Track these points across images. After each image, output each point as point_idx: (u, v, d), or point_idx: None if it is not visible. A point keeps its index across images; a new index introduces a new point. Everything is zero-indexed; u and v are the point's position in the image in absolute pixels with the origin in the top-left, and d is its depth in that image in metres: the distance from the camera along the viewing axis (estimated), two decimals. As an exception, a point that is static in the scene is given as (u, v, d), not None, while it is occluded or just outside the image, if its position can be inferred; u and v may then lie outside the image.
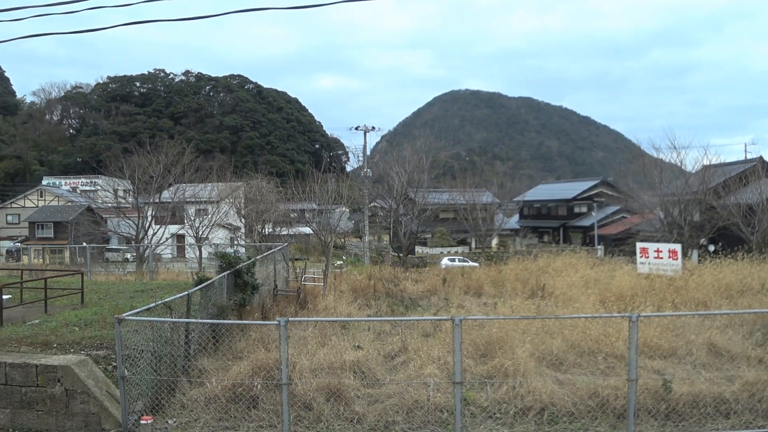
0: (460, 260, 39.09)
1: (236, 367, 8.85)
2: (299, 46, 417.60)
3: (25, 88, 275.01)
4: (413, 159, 45.55)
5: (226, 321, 11.10)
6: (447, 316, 9.78)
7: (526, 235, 63.59)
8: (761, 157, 38.60)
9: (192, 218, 34.96)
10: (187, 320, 9.38)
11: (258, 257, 15.83)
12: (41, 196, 63.38)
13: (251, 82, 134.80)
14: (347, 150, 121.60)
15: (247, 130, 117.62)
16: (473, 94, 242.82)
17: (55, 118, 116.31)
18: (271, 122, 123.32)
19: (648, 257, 21.82)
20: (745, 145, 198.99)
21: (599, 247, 50.39)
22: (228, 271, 12.67)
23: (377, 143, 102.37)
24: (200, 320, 10.05)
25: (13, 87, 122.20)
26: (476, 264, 35.26)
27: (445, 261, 39.17)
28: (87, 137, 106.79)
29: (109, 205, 47.76)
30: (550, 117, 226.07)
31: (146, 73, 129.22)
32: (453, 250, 52.31)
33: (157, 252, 31.51)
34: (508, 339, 10.39)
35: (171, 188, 35.69)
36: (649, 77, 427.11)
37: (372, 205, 48.12)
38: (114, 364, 8.48)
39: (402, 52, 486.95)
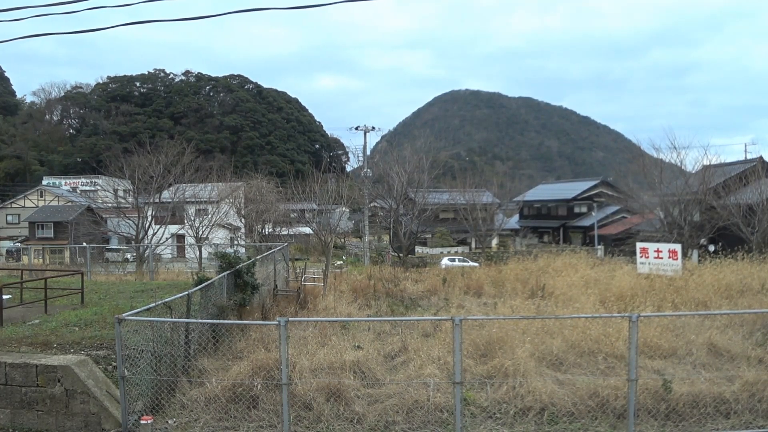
0: (460, 260, 39.09)
1: (236, 367, 8.85)
2: (299, 46, 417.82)
3: (25, 88, 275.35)
4: (413, 159, 45.55)
5: (226, 321, 11.10)
6: (447, 316, 9.78)
7: (526, 235, 63.60)
8: (761, 157, 38.61)
9: (192, 218, 34.96)
10: (187, 320, 9.38)
11: (258, 257, 15.83)
12: (41, 196, 63.39)
13: (251, 82, 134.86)
14: (347, 150, 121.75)
15: (247, 130, 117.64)
16: (473, 94, 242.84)
17: (55, 118, 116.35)
18: (271, 122, 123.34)
19: (648, 257, 21.82)
20: (745, 145, 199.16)
21: (599, 247, 50.40)
22: (228, 271, 12.67)
23: (377, 143, 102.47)
24: (200, 320, 10.05)
25: (13, 87, 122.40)
26: (476, 264, 35.26)
27: (445, 261, 39.17)
28: (87, 137, 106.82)
29: (109, 205, 47.78)
30: (550, 117, 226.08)
31: (146, 73, 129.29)
32: (453, 250, 52.31)
33: (157, 252, 31.51)
34: (508, 339, 10.39)
35: (171, 188, 35.69)
36: (649, 77, 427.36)
37: (372, 205, 48.12)
38: (114, 364, 8.48)
39: (402, 52, 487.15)
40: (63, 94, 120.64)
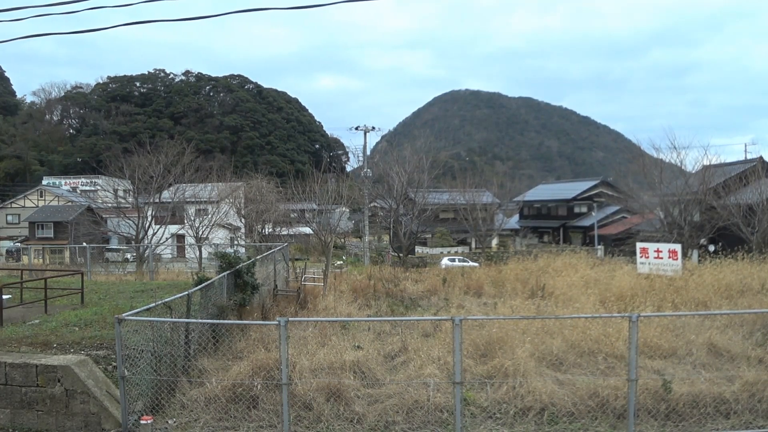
0: (460, 260, 39.09)
1: (236, 367, 8.85)
2: (300, 46, 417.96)
3: (25, 88, 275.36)
4: (413, 159, 45.54)
5: (226, 321, 11.10)
6: (447, 316, 9.77)
7: (526, 235, 63.59)
8: (761, 157, 38.61)
9: (192, 218, 34.95)
10: (187, 320, 9.38)
11: (258, 257, 15.83)
12: (41, 196, 63.38)
13: (251, 82, 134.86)
14: (347, 150, 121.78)
15: (247, 130, 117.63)
16: (473, 94, 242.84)
17: (55, 118, 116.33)
18: (271, 122, 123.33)
19: (648, 257, 21.82)
20: (745, 145, 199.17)
21: (599, 247, 50.39)
22: (228, 271, 12.67)
23: (377, 143, 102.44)
24: (200, 320, 10.05)
25: (13, 87, 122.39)
26: (476, 264, 35.26)
27: (445, 261, 39.17)
28: (87, 137, 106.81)
29: (109, 205, 47.77)
30: (550, 117, 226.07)
31: (146, 73, 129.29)
32: (453, 250, 52.30)
33: (157, 252, 31.51)
34: (508, 339, 10.39)
35: (171, 188, 35.69)
36: (649, 77, 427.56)
37: (372, 205, 48.12)
38: (114, 364, 8.48)
39: (402, 52, 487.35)
40: (63, 94, 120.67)
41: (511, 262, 27.70)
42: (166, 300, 9.20)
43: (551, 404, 7.96)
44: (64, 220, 50.68)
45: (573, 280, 19.25)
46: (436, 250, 51.14)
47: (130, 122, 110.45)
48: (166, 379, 8.34)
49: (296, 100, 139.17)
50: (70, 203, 58.79)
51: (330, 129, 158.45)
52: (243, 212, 42.66)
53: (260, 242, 31.22)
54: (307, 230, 42.07)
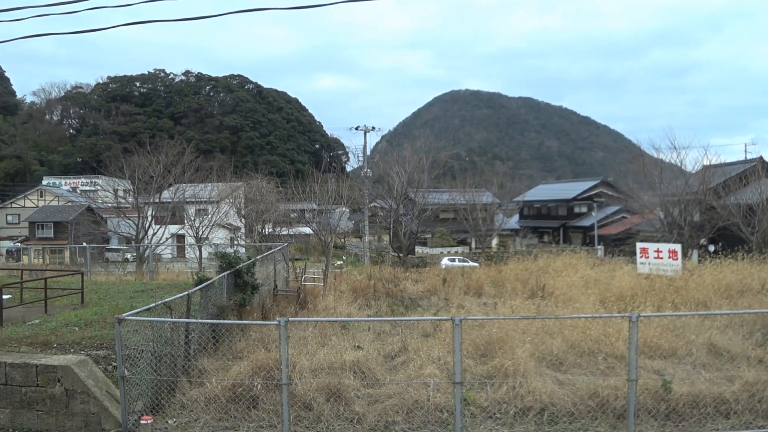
0: (460, 260, 39.09)
1: (236, 367, 8.85)
2: (300, 46, 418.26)
3: (25, 88, 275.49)
4: (413, 159, 45.52)
5: (226, 321, 11.09)
6: (447, 316, 9.77)
7: (526, 235, 63.59)
8: (761, 157, 38.61)
9: (192, 218, 34.95)
10: (187, 320, 9.38)
11: (258, 257, 15.83)
12: (41, 196, 63.38)
13: (251, 82, 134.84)
14: (347, 150, 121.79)
15: (247, 130, 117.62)
16: (473, 94, 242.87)
17: (55, 118, 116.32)
18: (271, 122, 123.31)
19: (648, 257, 21.81)
20: (745, 145, 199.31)
21: (599, 247, 50.39)
22: (228, 271, 12.66)
23: (377, 143, 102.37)
24: (200, 320, 10.05)
25: (13, 87, 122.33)
26: (476, 264, 35.26)
27: (445, 261, 39.16)
28: (87, 137, 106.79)
29: (109, 205, 47.78)
30: (550, 117, 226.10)
31: (146, 73, 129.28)
32: (453, 250, 52.30)
33: (157, 252, 31.50)
34: (508, 339, 10.39)
35: (171, 188, 35.68)
36: (649, 77, 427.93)
37: (372, 205, 48.11)
38: (114, 364, 8.48)
39: (402, 52, 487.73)
40: (63, 94, 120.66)
41: (511, 262, 27.69)
42: (166, 300, 9.20)
43: (551, 404, 7.96)
44: (64, 220, 50.67)
45: (573, 280, 19.25)
46: (436, 250, 51.13)
47: (130, 122, 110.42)
48: (166, 379, 8.34)
49: (296, 100, 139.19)
50: (70, 203, 58.78)
51: (330, 129, 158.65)
52: (243, 212, 42.66)
53: (260, 242, 31.22)
54: (307, 230, 42.08)
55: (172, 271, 26.28)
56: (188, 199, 36.71)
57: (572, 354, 10.12)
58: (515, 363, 9.05)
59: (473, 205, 45.78)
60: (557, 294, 17.12)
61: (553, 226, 66.11)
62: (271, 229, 40.02)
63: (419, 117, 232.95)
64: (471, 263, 36.26)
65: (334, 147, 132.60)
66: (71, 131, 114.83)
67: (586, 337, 10.63)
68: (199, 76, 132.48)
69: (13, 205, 63.65)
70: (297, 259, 30.79)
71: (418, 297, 20.21)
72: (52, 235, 51.28)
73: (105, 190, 53.36)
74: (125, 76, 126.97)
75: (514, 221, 70.90)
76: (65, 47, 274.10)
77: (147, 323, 8.31)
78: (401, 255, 40.74)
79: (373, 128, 46.91)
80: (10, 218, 62.10)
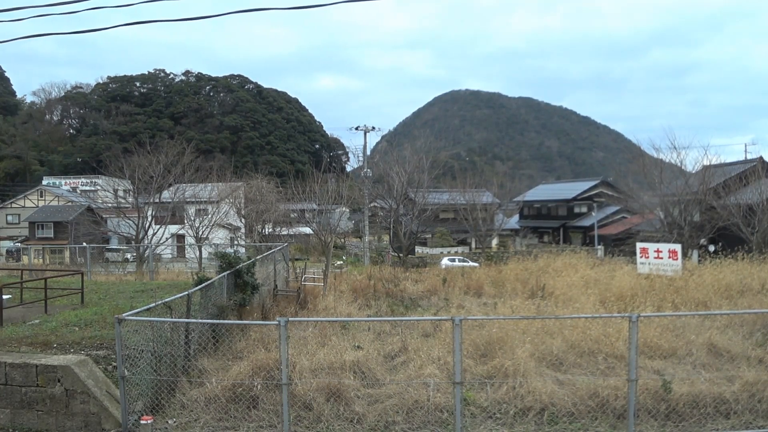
0: (460, 260, 39.09)
1: (236, 367, 8.85)
2: (300, 46, 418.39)
3: (25, 88, 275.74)
4: (413, 159, 45.53)
5: (226, 321, 11.09)
6: (447, 316, 9.77)
7: (526, 235, 63.58)
8: (761, 157, 38.61)
9: (192, 218, 34.95)
10: (187, 320, 9.38)
11: (258, 257, 15.82)
12: (41, 196, 63.38)
13: (251, 82, 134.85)
14: (347, 150, 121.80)
15: (247, 130, 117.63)
16: (473, 94, 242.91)
17: (55, 118, 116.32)
18: (271, 122, 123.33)
19: (648, 257, 21.81)
20: (745, 145, 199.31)
21: (599, 247, 50.39)
22: (228, 271, 12.66)
23: (377, 143, 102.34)
24: (200, 320, 10.05)
25: (13, 87, 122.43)
26: (476, 264, 35.25)
27: (445, 261, 39.16)
28: (87, 137, 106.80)
29: (109, 205, 47.78)
30: (550, 117, 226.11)
31: (146, 73, 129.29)
32: (453, 250, 52.30)
33: (157, 252, 31.50)
34: (508, 339, 10.39)
35: (171, 188, 35.69)
36: (649, 77, 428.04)
37: (372, 205, 48.11)
38: (114, 364, 8.48)
39: (402, 52, 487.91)
40: (63, 94, 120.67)
41: (511, 262, 27.68)
42: (166, 300, 9.20)
43: (551, 404, 7.96)
44: (64, 220, 50.67)
45: (573, 280, 19.24)
46: (436, 250, 51.13)
47: (130, 122, 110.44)
48: (166, 379, 8.34)
49: (296, 100, 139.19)
50: (70, 203, 58.78)
51: (330, 129, 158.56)
52: (243, 212, 42.66)
53: (260, 242, 31.22)
54: (307, 230, 42.08)
55: (172, 271, 26.28)
56: (188, 199, 36.71)
57: (572, 354, 10.12)
58: (515, 363, 9.05)
59: (473, 205, 45.77)
60: (557, 294, 17.12)
61: (553, 226, 66.10)
62: (271, 229, 40.02)
63: (419, 117, 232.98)
64: (471, 263, 36.25)
65: (334, 147, 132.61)
66: (71, 131, 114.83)
67: (586, 337, 10.62)
68: (199, 76, 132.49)
69: (13, 205, 63.66)
70: (297, 259, 30.79)
71: (418, 297, 20.20)
72: (52, 235, 51.29)
73: (105, 190, 53.37)
74: (125, 76, 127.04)
75: (514, 221, 70.90)
76: (65, 47, 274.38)
77: (147, 323, 8.31)
78: (401, 255, 40.74)
79: (373, 128, 46.97)
80: (10, 218, 62.11)
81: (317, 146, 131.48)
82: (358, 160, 63.67)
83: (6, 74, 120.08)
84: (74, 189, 73.39)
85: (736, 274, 17.71)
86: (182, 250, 39.48)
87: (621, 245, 42.82)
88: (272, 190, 43.20)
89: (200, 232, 33.87)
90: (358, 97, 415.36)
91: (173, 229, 37.25)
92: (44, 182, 73.02)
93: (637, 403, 7.44)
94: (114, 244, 44.29)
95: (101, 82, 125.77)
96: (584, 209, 63.34)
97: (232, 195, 41.84)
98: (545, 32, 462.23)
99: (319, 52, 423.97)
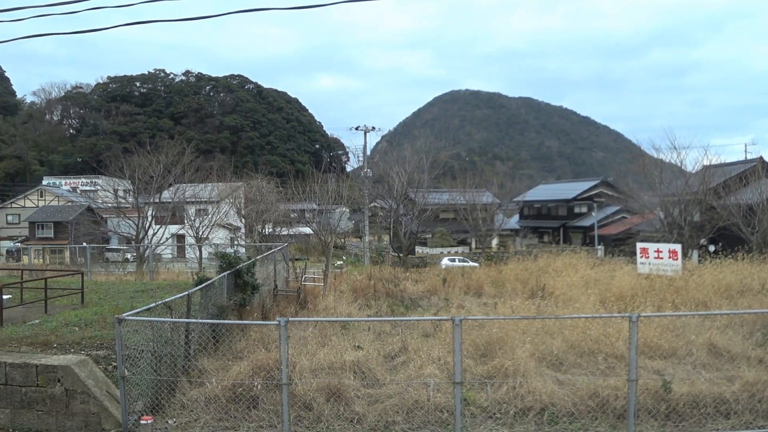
0: (460, 260, 39.09)
1: (236, 367, 8.84)
2: (299, 46, 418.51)
3: (25, 88, 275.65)
4: (413, 159, 45.54)
5: (226, 321, 11.09)
6: (447, 317, 9.77)
7: (526, 235, 63.58)
8: (761, 157, 38.62)
9: (192, 218, 34.95)
10: (187, 320, 9.38)
11: (258, 257, 15.82)
12: (41, 196, 63.38)
13: (251, 82, 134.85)
14: (347, 150, 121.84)
15: (247, 130, 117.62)
16: (473, 94, 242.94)
17: (55, 118, 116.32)
18: (271, 122, 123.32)
19: (648, 257, 21.81)
20: (745, 145, 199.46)
21: (599, 247, 50.38)
22: (228, 272, 12.66)
23: (377, 143, 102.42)
24: (200, 320, 10.04)
25: (13, 87, 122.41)
26: (476, 264, 35.25)
27: (445, 261, 39.16)
28: (87, 137, 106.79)
29: (109, 205, 47.79)
30: (550, 117, 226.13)
31: (146, 73, 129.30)
32: (453, 250, 52.30)
33: (157, 252, 31.50)
34: (508, 339, 10.38)
35: (171, 188, 35.69)
36: (649, 77, 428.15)
37: (372, 205, 48.11)
38: (114, 364, 8.48)
39: (402, 52, 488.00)
40: (63, 94, 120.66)
41: (511, 262, 27.68)
42: (166, 300, 9.20)
43: (551, 404, 7.96)
44: (64, 220, 50.68)
45: (573, 280, 19.23)
46: (436, 250, 51.13)
47: (130, 122, 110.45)
48: (166, 379, 8.34)
49: (296, 100, 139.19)
50: (70, 203, 58.78)
51: (330, 129, 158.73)
52: (243, 212, 42.66)
53: (260, 242, 31.22)
54: (307, 230, 42.07)
55: (172, 271, 26.29)
56: (188, 199, 36.71)
57: (572, 354, 10.11)
58: (515, 363, 9.05)
59: (473, 205, 45.77)
60: (557, 294, 17.11)
61: (553, 226, 66.10)
62: (271, 229, 40.02)
63: (419, 117, 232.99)
64: (471, 263, 36.25)
65: (334, 147, 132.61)
66: (71, 131, 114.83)
67: (586, 337, 10.62)
68: (199, 76, 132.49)
69: (13, 205, 63.66)
70: (297, 259, 30.79)
71: (418, 297, 20.20)
72: (52, 235, 51.29)
73: (105, 190, 53.40)
74: (125, 76, 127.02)
75: (514, 221, 70.89)
76: (65, 47, 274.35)
77: (147, 323, 8.31)
78: (401, 255, 40.74)
79: (373, 128, 46.97)
80: (10, 218, 62.11)
81: (317, 146, 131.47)
82: (358, 160, 63.77)
83: (6, 74, 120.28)
84: (74, 189, 73.39)
85: (736, 274, 17.70)
86: (182, 250, 39.49)
87: (621, 245, 42.81)
88: (272, 190, 43.21)
89: (200, 232, 33.87)
90: (358, 97, 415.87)
91: (173, 229, 37.25)
92: (44, 182, 73.01)
93: (637, 403, 7.44)
94: (114, 244, 44.30)
95: (101, 82, 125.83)
96: (584, 209, 63.35)
97: (232, 195, 41.84)
98: (545, 32, 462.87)
99: (319, 52, 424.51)
